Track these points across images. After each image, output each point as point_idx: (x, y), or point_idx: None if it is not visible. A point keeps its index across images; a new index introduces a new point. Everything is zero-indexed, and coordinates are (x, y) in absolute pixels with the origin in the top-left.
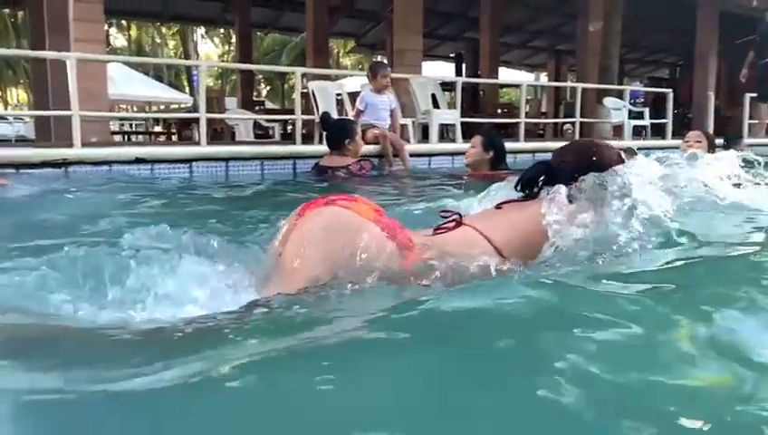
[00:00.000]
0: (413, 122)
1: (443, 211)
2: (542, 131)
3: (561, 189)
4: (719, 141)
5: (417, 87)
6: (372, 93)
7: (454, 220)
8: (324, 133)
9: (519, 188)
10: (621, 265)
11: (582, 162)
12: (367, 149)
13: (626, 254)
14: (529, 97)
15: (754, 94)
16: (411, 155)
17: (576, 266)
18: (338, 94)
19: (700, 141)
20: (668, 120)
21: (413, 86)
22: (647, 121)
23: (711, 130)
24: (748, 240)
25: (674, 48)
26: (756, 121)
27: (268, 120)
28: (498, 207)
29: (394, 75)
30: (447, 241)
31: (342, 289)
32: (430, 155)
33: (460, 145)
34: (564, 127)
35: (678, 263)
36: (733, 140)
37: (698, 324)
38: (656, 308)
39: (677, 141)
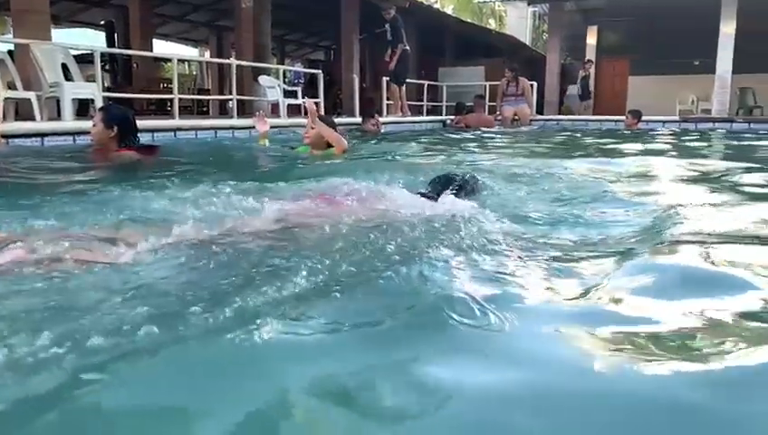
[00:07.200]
0: (38, 97)
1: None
2: (205, 108)
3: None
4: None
5: (41, 56)
6: None
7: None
8: None
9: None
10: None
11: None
12: None
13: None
14: (195, 72)
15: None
16: (24, 135)
17: None
18: None
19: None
20: (320, 100)
21: (36, 55)
22: (299, 100)
23: (357, 109)
24: None
25: (327, 33)
26: (392, 102)
27: None
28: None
29: (16, 41)
30: None
31: None
32: (42, 135)
33: (82, 123)
34: (228, 104)
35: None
36: (364, 118)
37: None
38: None
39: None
